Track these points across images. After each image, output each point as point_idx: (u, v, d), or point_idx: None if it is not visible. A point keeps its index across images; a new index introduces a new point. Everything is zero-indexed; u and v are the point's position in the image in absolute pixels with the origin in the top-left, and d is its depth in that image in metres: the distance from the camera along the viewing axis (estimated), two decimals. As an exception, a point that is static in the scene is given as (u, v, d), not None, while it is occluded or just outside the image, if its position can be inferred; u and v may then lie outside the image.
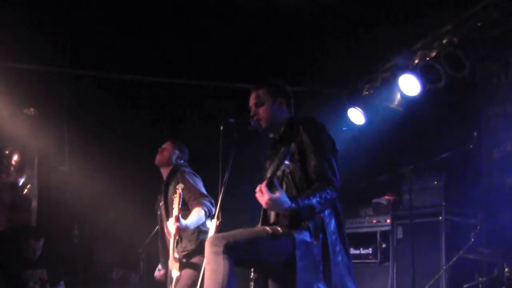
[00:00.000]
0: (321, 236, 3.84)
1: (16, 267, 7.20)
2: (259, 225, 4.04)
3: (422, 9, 6.63)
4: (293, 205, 3.68)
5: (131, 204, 8.34)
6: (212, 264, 3.68)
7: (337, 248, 3.90)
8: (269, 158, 4.20)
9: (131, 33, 7.85)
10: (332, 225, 3.93)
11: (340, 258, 3.90)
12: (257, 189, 3.71)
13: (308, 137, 3.94)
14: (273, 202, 3.65)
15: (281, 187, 3.96)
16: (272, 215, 4.02)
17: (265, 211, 4.05)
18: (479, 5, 6.26)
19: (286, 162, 3.83)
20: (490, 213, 6.15)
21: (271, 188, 3.67)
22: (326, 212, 3.90)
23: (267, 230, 3.83)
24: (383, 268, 7.07)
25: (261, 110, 4.18)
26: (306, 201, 3.71)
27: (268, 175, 3.74)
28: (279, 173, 3.97)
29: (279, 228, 3.84)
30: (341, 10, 7.12)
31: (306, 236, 3.80)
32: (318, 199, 3.72)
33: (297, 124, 4.06)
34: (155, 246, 6.39)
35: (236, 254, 3.69)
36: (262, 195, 3.66)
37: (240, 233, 3.82)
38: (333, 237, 3.90)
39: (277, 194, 3.65)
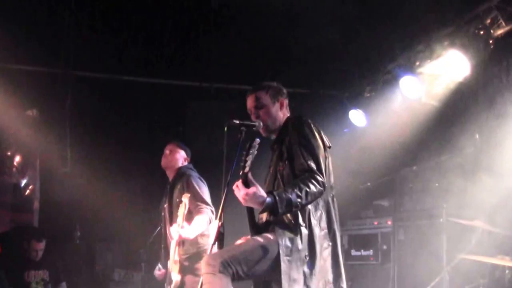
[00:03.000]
0: (306, 232, 3.85)
1: (18, 267, 7.22)
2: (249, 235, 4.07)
3: (424, 11, 6.64)
4: (268, 199, 3.70)
5: (133, 205, 8.35)
6: (210, 285, 3.71)
7: (325, 245, 3.92)
8: (271, 159, 4.23)
9: (133, 35, 7.87)
10: (322, 221, 3.94)
11: (326, 254, 3.91)
12: (234, 185, 3.76)
13: (295, 135, 3.97)
14: (248, 197, 3.69)
15: (273, 185, 4.03)
16: (263, 218, 4.06)
17: (251, 215, 4.07)
18: (481, 7, 6.28)
19: (279, 162, 3.98)
20: (491, 214, 6.15)
21: (247, 184, 3.71)
22: (315, 208, 3.92)
23: (258, 240, 3.87)
24: (384, 270, 7.07)
25: (262, 113, 4.20)
26: (283, 195, 3.72)
27: (246, 170, 3.73)
28: (272, 171, 4.07)
29: (270, 236, 3.86)
30: (343, 12, 7.13)
31: (289, 234, 3.82)
32: (298, 193, 3.72)
33: (287, 123, 4.12)
34: (157, 246, 6.41)
35: (233, 270, 3.72)
36: (239, 191, 3.72)
37: (233, 249, 3.87)
38: (322, 233, 3.91)
39: (252, 189, 3.69)
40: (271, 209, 3.74)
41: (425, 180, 6.77)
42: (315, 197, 3.84)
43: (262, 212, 3.84)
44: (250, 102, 4.27)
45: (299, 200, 3.73)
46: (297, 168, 3.89)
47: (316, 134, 4.02)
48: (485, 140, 6.80)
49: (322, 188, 3.81)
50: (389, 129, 8.05)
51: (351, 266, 7.35)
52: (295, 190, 3.73)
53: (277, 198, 3.71)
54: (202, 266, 3.78)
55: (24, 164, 8.76)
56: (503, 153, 6.51)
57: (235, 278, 3.75)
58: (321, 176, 3.83)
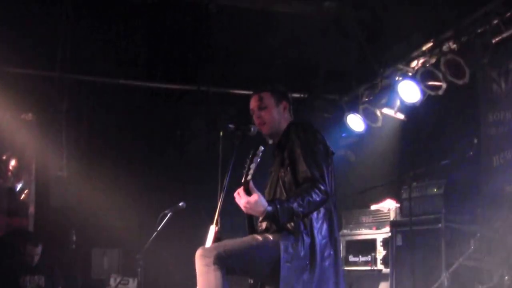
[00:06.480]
0: (308, 240, 3.81)
1: (14, 272, 7.18)
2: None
3: (422, 15, 6.62)
4: (270, 207, 3.66)
5: (129, 210, 8.30)
6: (204, 277, 3.68)
7: (326, 253, 3.87)
8: (272, 164, 4.19)
9: (129, 38, 7.84)
10: (324, 229, 3.90)
11: (327, 263, 3.87)
12: (235, 193, 3.72)
13: (297, 141, 3.92)
14: (250, 205, 3.66)
15: (275, 192, 3.99)
16: (262, 225, 4.01)
17: (250, 219, 4.04)
18: (480, 12, 6.26)
19: (281, 168, 3.93)
20: (490, 220, 6.12)
21: (248, 191, 3.66)
22: (317, 215, 3.87)
23: (257, 238, 3.83)
24: (382, 276, 7.02)
25: (264, 113, 4.16)
26: (284, 204, 3.68)
27: (248, 178, 3.68)
28: (274, 178, 4.01)
29: (269, 236, 3.83)
30: (342, 16, 7.12)
31: (292, 240, 3.78)
32: (300, 202, 3.67)
33: (290, 130, 4.07)
34: (153, 252, 6.36)
35: (227, 264, 3.68)
36: (240, 199, 3.68)
37: (230, 243, 3.82)
38: (323, 241, 3.87)
39: (254, 197, 3.64)
40: (272, 218, 3.70)
41: (424, 186, 6.72)
42: (318, 206, 3.80)
43: (263, 220, 3.80)
44: (253, 102, 4.22)
45: (301, 209, 3.69)
46: (300, 176, 3.84)
47: (320, 140, 3.99)
48: (484, 145, 6.78)
49: (325, 197, 3.77)
50: (387, 134, 8.02)
51: (349, 272, 7.30)
52: (297, 199, 3.69)
53: (278, 207, 3.66)
54: (197, 258, 3.73)
55: (20, 168, 8.71)
56: (502, 158, 6.49)
57: (229, 272, 3.71)
58: (324, 184, 3.78)
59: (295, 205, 3.67)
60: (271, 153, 4.18)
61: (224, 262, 3.67)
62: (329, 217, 3.95)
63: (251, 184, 3.67)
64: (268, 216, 3.69)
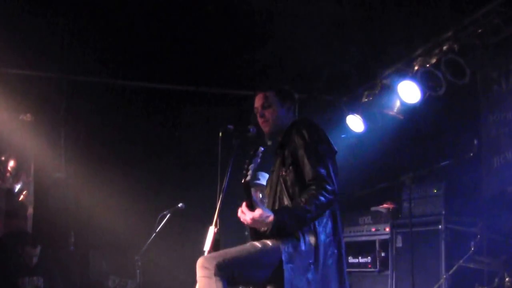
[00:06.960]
0: (312, 239, 3.78)
1: (13, 273, 7.17)
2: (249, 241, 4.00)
3: (422, 15, 6.59)
4: (276, 218, 3.62)
5: (128, 211, 8.27)
6: None
7: (330, 252, 3.84)
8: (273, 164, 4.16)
9: (128, 39, 7.81)
10: (328, 227, 3.87)
11: (331, 261, 3.84)
12: (239, 211, 3.70)
13: (300, 139, 3.89)
14: (255, 221, 3.63)
15: (276, 191, 3.96)
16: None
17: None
18: (480, 12, 6.24)
19: (282, 167, 3.90)
20: (490, 221, 6.10)
21: (252, 206, 3.63)
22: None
23: (256, 245, 3.79)
24: (382, 277, 7.01)
25: (268, 112, 4.14)
26: (291, 212, 3.65)
27: (247, 178, 3.65)
28: (275, 177, 3.98)
29: (268, 242, 3.79)
30: (341, 16, 7.08)
31: (294, 240, 3.75)
32: (306, 208, 3.63)
33: (292, 128, 4.03)
34: (151, 253, 6.32)
35: (228, 274, 3.66)
36: (245, 215, 3.65)
37: (229, 252, 3.79)
38: (328, 240, 3.85)
39: (258, 212, 3.61)
40: (278, 228, 3.66)
41: (424, 186, 6.70)
42: (326, 208, 3.76)
43: (270, 231, 3.72)
44: (258, 100, 4.20)
45: (308, 215, 3.65)
46: (306, 177, 3.79)
47: (323, 138, 3.96)
48: (484, 145, 6.76)
49: (332, 197, 3.73)
50: (387, 134, 7.99)
51: (349, 273, 7.27)
52: (304, 205, 3.65)
53: (286, 216, 3.64)
54: (198, 268, 3.71)
55: (18, 169, 8.68)
56: (502, 159, 6.47)
57: (230, 282, 3.68)
58: (331, 183, 3.74)
59: (302, 211, 3.64)
60: (273, 152, 4.15)
61: (225, 272, 3.64)
62: (333, 216, 3.92)
63: (253, 198, 3.65)
64: (274, 227, 3.65)
